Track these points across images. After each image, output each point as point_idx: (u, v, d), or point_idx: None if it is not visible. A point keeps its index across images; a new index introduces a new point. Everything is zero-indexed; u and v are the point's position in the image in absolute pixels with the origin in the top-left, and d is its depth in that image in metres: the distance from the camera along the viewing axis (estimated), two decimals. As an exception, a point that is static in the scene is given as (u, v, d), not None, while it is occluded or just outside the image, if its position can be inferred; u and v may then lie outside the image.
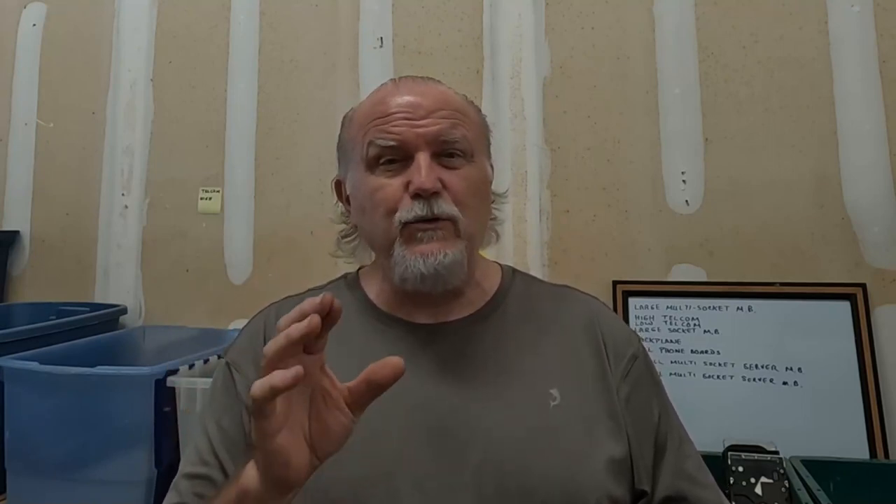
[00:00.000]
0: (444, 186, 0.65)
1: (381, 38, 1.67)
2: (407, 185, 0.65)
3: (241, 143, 1.73)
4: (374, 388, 0.51)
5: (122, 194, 1.77)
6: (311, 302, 0.49)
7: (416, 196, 0.64)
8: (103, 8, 1.86)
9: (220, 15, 1.78)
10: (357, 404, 0.52)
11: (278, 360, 0.47)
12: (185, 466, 0.68)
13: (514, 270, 0.79)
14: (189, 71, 1.78)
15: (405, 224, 0.65)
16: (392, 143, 0.66)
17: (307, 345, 0.49)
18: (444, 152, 0.67)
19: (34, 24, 1.91)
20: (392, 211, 0.65)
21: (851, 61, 1.38)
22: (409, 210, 0.64)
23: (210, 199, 1.73)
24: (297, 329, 0.47)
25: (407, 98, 0.67)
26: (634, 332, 0.77)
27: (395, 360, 0.51)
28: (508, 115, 1.55)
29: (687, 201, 1.45)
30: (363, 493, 0.60)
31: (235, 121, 1.74)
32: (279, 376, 0.45)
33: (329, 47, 1.70)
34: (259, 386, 0.46)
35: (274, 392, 0.46)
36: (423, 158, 0.65)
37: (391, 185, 0.66)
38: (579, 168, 1.51)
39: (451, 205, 0.65)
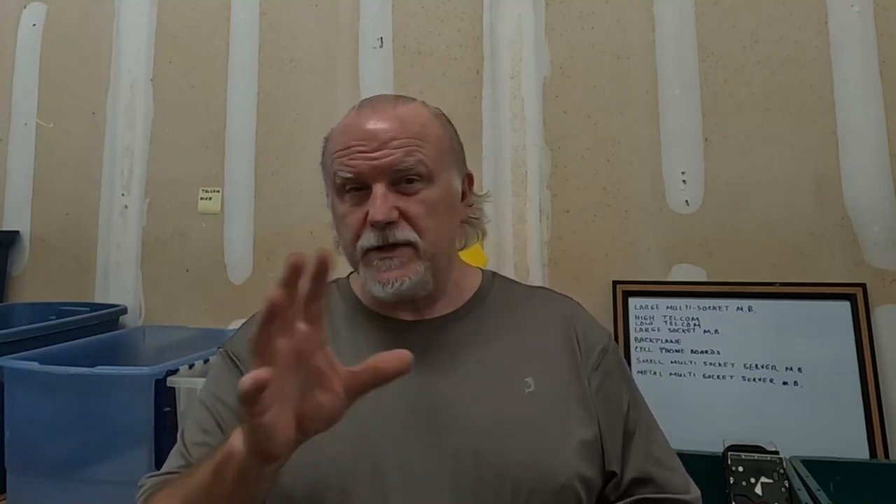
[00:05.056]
0: (402, 214, 0.70)
1: (381, 38, 1.67)
2: (367, 214, 0.70)
3: (241, 143, 1.73)
4: (379, 377, 0.52)
5: (122, 194, 1.77)
6: (295, 254, 0.52)
7: (373, 226, 0.69)
8: (103, 8, 1.86)
9: (220, 15, 1.78)
10: (355, 389, 0.53)
11: (273, 318, 0.48)
12: (185, 437, 0.71)
13: (494, 274, 0.84)
14: (189, 71, 1.78)
15: (366, 251, 0.71)
16: (350, 175, 0.71)
17: (305, 310, 0.50)
18: (402, 180, 0.70)
19: (34, 24, 1.91)
20: (356, 238, 0.71)
21: (851, 61, 1.38)
22: (367, 239, 0.70)
23: (210, 199, 1.73)
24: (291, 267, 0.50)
25: (365, 129, 0.71)
26: (607, 330, 0.82)
27: (403, 353, 0.52)
28: (508, 115, 1.55)
29: (687, 201, 1.45)
30: (350, 475, 0.65)
31: (235, 121, 1.74)
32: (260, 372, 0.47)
33: (329, 47, 1.70)
34: (246, 380, 0.47)
35: (259, 387, 0.46)
36: (378, 189, 0.69)
37: (354, 213, 0.71)
38: (579, 168, 1.51)
39: (407, 231, 0.70)
